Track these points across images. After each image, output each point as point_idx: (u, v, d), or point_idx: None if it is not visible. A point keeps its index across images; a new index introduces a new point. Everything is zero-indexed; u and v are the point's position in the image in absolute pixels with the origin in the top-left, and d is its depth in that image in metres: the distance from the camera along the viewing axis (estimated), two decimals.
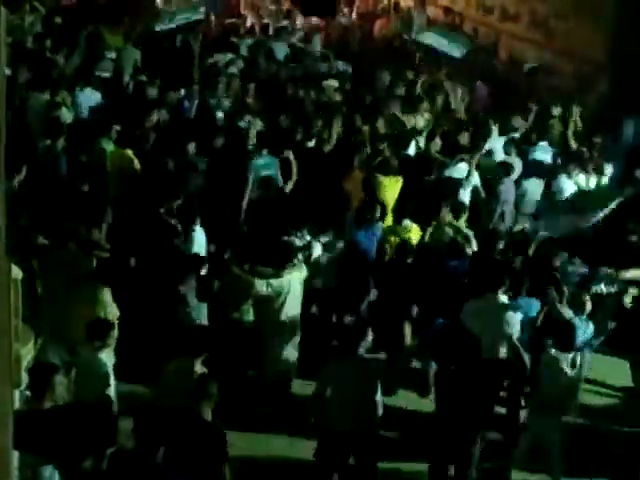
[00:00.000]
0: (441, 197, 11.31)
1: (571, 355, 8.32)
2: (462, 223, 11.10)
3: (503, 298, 9.17)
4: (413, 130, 13.76)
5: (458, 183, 12.09)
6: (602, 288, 9.76)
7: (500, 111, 15.62)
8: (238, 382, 8.97)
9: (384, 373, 8.03)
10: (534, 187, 12.88)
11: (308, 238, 9.93)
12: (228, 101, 14.22)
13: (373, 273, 10.28)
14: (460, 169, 12.41)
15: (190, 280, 9.14)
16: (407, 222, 10.80)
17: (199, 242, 9.83)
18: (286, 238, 9.99)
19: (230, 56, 16.55)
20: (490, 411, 8.38)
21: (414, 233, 10.80)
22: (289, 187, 11.50)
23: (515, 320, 9.03)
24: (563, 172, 13.04)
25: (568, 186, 12.77)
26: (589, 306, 9.21)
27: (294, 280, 9.34)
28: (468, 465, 7.90)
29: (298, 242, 9.94)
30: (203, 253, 9.79)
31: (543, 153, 13.81)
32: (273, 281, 9.23)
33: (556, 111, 15.65)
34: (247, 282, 9.17)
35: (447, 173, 12.41)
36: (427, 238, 10.82)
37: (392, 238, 10.64)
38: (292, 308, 9.31)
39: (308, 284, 9.68)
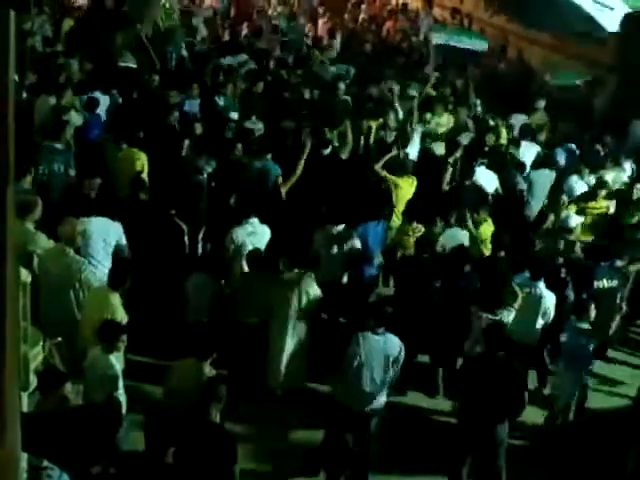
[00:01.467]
0: (474, 202, 11.38)
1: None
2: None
3: (542, 287, 9.50)
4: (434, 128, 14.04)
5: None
6: (604, 283, 9.76)
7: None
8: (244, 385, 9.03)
9: (400, 354, 7.99)
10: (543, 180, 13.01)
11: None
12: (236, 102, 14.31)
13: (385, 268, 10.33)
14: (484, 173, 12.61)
15: (195, 280, 9.21)
16: (415, 224, 10.78)
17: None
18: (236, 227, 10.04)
19: (244, 57, 16.64)
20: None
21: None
22: (285, 189, 11.41)
23: (552, 308, 9.51)
24: (575, 173, 13.09)
25: (579, 186, 12.83)
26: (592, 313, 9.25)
27: (307, 285, 9.35)
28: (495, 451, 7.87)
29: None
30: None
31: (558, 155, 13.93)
32: (287, 287, 9.27)
33: (540, 104, 16.04)
34: (260, 288, 9.19)
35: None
36: (441, 242, 10.75)
37: (404, 238, 10.64)
38: (303, 314, 9.33)
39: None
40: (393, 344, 7.96)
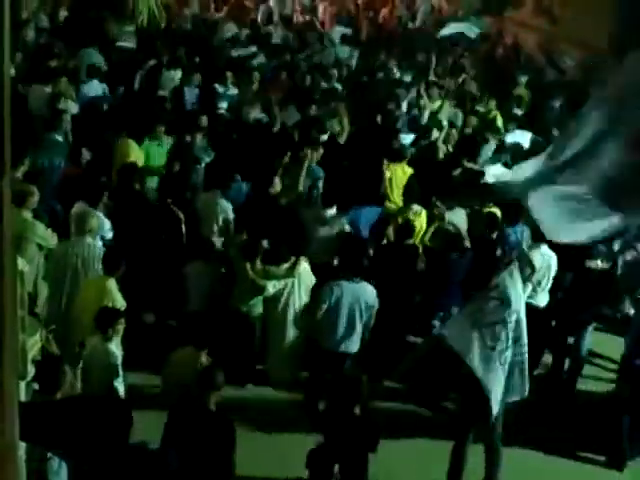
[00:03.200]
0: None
1: None
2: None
3: (546, 248, 9.79)
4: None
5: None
6: (598, 264, 9.83)
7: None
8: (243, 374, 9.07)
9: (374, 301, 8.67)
10: None
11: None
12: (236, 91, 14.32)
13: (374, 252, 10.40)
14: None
15: (194, 268, 9.24)
16: (416, 207, 10.76)
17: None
18: None
19: (253, 49, 16.69)
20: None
21: (423, 218, 10.76)
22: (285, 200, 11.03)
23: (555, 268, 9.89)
24: None
25: None
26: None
27: (304, 274, 9.39)
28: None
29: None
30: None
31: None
32: (285, 280, 9.30)
33: (523, 79, 16.42)
34: (259, 284, 9.21)
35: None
36: (431, 233, 10.76)
37: (400, 221, 10.64)
38: (301, 302, 9.36)
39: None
40: (367, 291, 8.70)
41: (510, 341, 7.39)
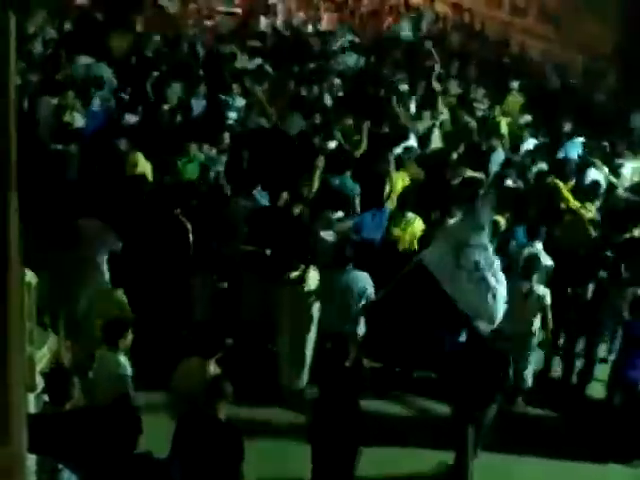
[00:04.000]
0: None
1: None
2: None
3: (539, 247, 10.10)
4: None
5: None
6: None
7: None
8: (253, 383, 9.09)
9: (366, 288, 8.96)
10: None
11: None
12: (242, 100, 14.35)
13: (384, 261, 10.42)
14: None
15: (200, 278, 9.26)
16: (410, 214, 10.76)
17: None
18: None
19: (258, 61, 16.75)
20: None
21: (417, 225, 10.73)
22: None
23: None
24: (592, 165, 12.98)
25: (599, 179, 12.67)
26: None
27: (312, 281, 9.40)
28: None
29: None
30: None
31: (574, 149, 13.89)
32: (297, 287, 9.32)
33: (515, 84, 16.46)
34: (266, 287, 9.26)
35: None
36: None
37: (396, 230, 10.63)
38: (311, 310, 9.37)
39: None
40: (359, 278, 9.04)
41: (485, 263, 7.69)
